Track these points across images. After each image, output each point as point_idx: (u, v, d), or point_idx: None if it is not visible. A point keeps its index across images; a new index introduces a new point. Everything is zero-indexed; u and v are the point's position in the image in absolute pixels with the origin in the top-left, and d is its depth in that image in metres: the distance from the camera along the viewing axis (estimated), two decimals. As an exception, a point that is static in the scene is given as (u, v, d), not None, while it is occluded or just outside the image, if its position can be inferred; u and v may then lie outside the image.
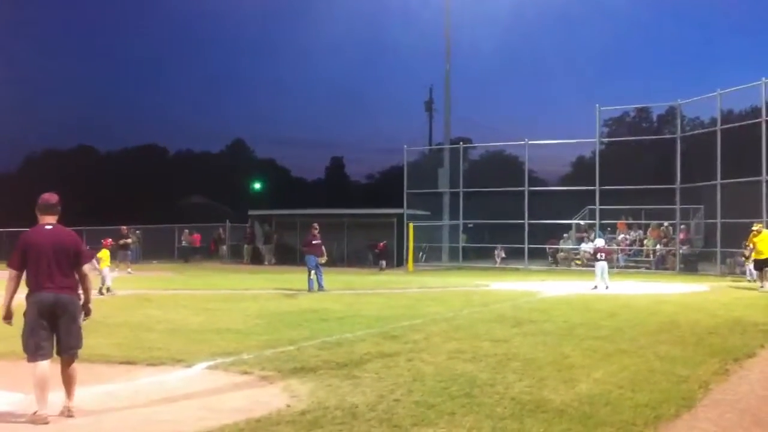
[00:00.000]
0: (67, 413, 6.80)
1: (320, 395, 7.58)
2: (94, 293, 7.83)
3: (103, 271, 19.96)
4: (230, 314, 15.24)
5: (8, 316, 6.97)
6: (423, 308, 16.55)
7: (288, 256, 40.74)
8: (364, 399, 7.41)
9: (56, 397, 6.93)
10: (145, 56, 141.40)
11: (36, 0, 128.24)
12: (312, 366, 9.20)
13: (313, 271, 21.60)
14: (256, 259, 41.72)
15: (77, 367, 7.07)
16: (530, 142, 38.11)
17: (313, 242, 22.25)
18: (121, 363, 9.46)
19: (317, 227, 22.84)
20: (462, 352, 10.17)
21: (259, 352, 10.32)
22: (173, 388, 8.17)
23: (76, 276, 7.07)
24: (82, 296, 7.13)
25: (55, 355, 6.99)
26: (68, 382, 6.95)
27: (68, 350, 6.96)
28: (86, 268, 7.21)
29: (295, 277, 22.05)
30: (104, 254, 20.63)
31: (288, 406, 7.18)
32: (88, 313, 7.17)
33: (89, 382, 7.84)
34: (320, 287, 21.33)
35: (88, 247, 7.41)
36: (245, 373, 8.91)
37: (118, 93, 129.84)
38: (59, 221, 7.22)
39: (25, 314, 6.90)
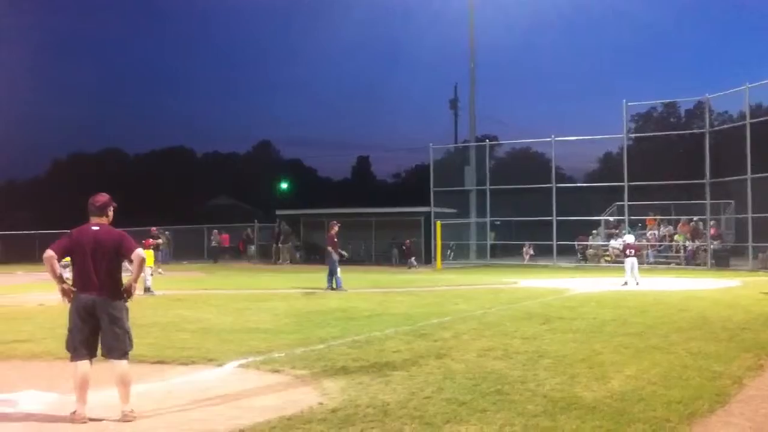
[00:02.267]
0: (124, 418, 6.69)
1: (351, 393, 7.59)
2: (138, 293, 7.81)
3: (145, 270, 20.04)
4: (260, 313, 15.33)
5: (66, 293, 6.89)
6: (452, 306, 16.54)
7: (315, 255, 40.91)
8: (395, 397, 7.41)
9: (98, 397, 6.98)
10: (171, 60, 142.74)
11: (63, 5, 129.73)
12: (342, 364, 9.23)
13: (339, 270, 21.59)
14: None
15: (129, 369, 6.97)
16: (557, 138, 37.94)
17: (336, 240, 22.22)
18: (154, 363, 9.54)
19: (338, 225, 22.81)
20: (492, 350, 10.15)
21: (289, 350, 10.36)
22: (205, 387, 8.22)
23: (129, 269, 7.04)
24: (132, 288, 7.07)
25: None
26: (119, 385, 6.85)
27: (111, 352, 6.88)
28: (135, 255, 6.99)
29: (323, 277, 22.07)
30: (148, 255, 20.74)
31: (320, 404, 7.19)
32: (128, 293, 7.02)
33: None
34: (333, 287, 21.39)
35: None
36: (276, 371, 8.95)
37: (145, 97, 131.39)
38: (111, 223, 7.19)
39: (69, 314, 6.95)
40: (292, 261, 41.65)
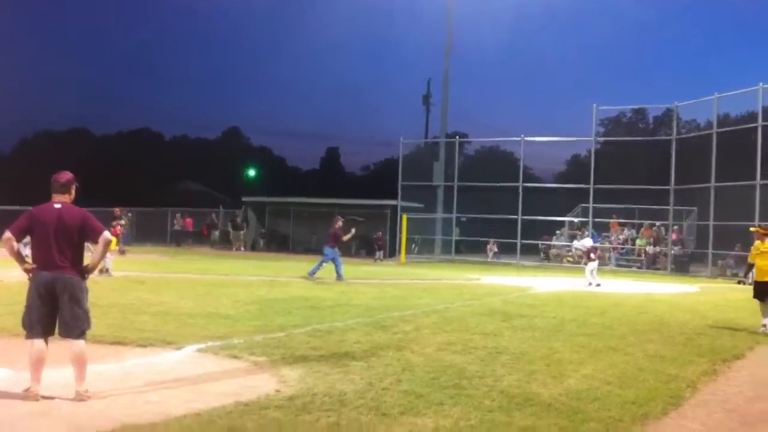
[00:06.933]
0: (78, 398, 6.63)
1: (309, 381, 7.59)
2: (94, 274, 7.74)
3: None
4: (221, 299, 15.23)
5: (27, 270, 6.86)
6: (414, 300, 16.57)
7: (281, 243, 40.94)
8: (352, 387, 7.42)
9: (54, 375, 6.91)
10: (146, 44, 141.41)
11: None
12: (302, 353, 9.21)
13: (326, 265, 21.55)
14: (251, 244, 42.00)
15: (86, 349, 6.91)
16: (526, 138, 38.12)
17: (340, 234, 22.16)
18: (112, 343, 9.46)
19: (342, 220, 22.83)
20: (452, 344, 10.19)
21: (249, 337, 10.32)
22: (162, 370, 8.17)
23: (91, 249, 6.96)
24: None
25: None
26: (75, 364, 6.79)
27: (69, 331, 6.80)
28: (101, 238, 6.94)
29: (287, 265, 22.05)
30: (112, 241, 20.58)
31: (277, 391, 7.18)
32: (88, 272, 7.00)
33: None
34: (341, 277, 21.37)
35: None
36: (235, 357, 8.91)
37: (115, 77, 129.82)
38: (74, 202, 7.13)
39: (28, 291, 6.88)
40: (253, 247, 41.61)
